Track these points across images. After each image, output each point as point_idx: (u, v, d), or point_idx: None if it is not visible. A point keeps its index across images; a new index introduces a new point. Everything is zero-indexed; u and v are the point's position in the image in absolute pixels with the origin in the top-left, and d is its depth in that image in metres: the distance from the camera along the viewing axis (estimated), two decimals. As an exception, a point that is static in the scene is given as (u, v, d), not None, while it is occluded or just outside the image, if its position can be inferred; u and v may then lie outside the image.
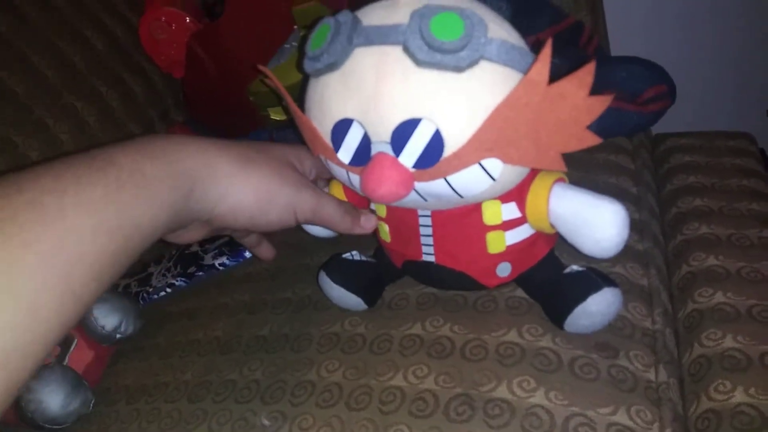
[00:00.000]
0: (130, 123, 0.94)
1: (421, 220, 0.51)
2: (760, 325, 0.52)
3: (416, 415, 0.47)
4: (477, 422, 0.45)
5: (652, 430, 0.44)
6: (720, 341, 0.51)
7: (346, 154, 0.46)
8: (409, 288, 0.60)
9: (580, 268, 0.50)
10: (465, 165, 0.43)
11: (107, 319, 0.63)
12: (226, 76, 0.82)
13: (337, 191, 0.58)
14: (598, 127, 0.74)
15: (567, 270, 0.51)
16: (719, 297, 0.55)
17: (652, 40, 1.37)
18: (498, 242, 0.50)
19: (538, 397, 0.46)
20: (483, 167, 0.43)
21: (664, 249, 0.65)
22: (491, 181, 0.44)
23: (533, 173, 0.48)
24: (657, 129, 0.85)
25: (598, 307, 0.47)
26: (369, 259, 0.60)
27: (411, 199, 0.46)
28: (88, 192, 0.36)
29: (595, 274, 0.49)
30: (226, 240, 0.79)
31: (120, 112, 0.93)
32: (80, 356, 0.63)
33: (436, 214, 0.50)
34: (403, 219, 0.53)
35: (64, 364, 0.61)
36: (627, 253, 0.60)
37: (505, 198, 0.48)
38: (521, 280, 0.54)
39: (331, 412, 0.49)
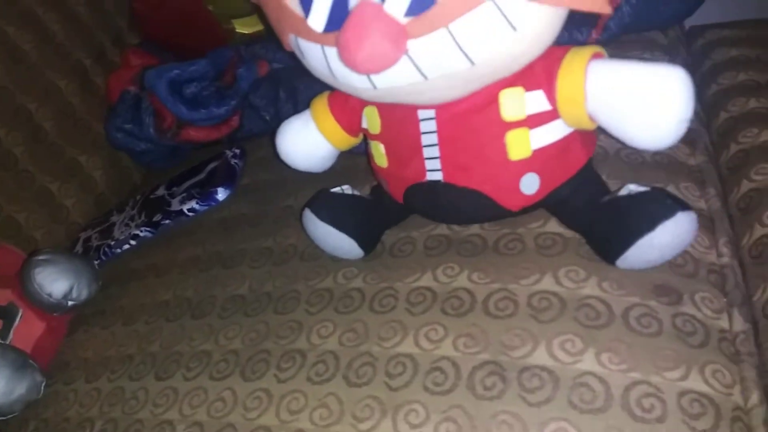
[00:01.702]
0: (76, 50, 0.80)
1: (423, 125, 0.41)
2: None
3: (433, 390, 0.37)
4: (511, 397, 0.36)
5: (734, 395, 0.35)
6: (804, 274, 0.41)
7: (318, 17, 0.35)
8: (414, 230, 0.49)
9: (643, 188, 0.39)
10: (474, 2, 0.32)
11: (54, 285, 0.53)
12: (177, -18, 0.69)
13: (322, 114, 0.48)
14: (631, 16, 0.62)
15: (623, 191, 0.40)
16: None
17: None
18: (521, 144, 0.39)
19: (588, 362, 0.36)
20: (498, 7, 0.32)
21: (717, 164, 0.54)
22: (512, 31, 0.34)
23: (563, 51, 0.38)
24: (690, 21, 0.72)
25: (671, 237, 0.37)
26: (364, 196, 0.49)
27: (406, 79, 0.36)
28: None
29: (665, 195, 0.38)
30: (195, 181, 0.68)
31: (62, 37, 0.79)
32: (28, 330, 0.53)
33: (441, 113, 0.40)
34: (401, 127, 0.42)
35: (7, 342, 0.51)
36: (679, 170, 0.49)
37: (529, 84, 0.38)
38: (555, 203, 0.43)
39: (327, 388, 0.40)
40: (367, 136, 0.47)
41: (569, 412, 0.34)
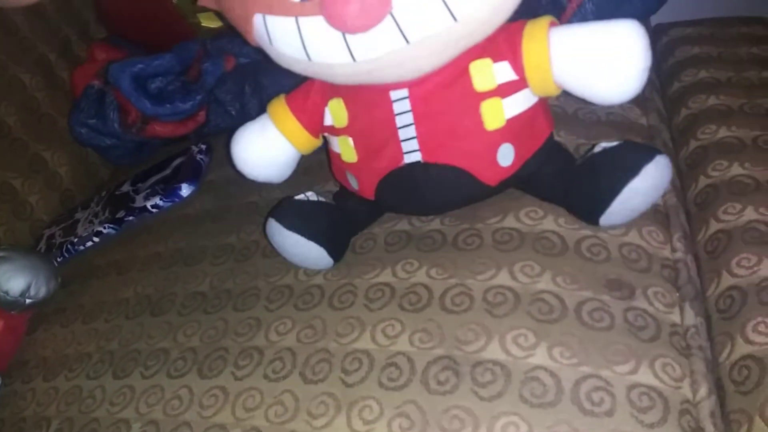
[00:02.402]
0: (40, 43, 0.79)
1: (397, 106, 0.41)
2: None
3: (387, 386, 0.37)
4: (464, 392, 0.36)
5: (683, 389, 0.35)
6: (755, 268, 0.42)
7: None
8: (376, 226, 0.49)
9: (614, 143, 0.41)
10: None
11: (11, 283, 0.52)
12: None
13: (282, 114, 0.47)
14: (594, 14, 0.62)
15: (596, 150, 0.42)
16: (750, 214, 0.46)
17: None
18: (496, 113, 0.40)
19: (539, 356, 0.36)
20: None
21: (675, 155, 0.55)
22: None
23: (521, 24, 0.40)
24: (655, 18, 0.73)
25: (653, 180, 0.39)
26: (330, 203, 0.48)
27: (388, 45, 0.36)
28: None
29: (639, 143, 0.41)
30: (160, 177, 0.67)
31: (26, 30, 0.78)
32: (-16, 329, 0.52)
33: (414, 90, 0.40)
34: (372, 112, 0.42)
35: (-38, 341, 0.50)
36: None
37: (495, 56, 0.40)
38: (529, 175, 0.43)
39: (283, 385, 0.40)
40: (331, 134, 0.46)
41: (520, 407, 0.34)
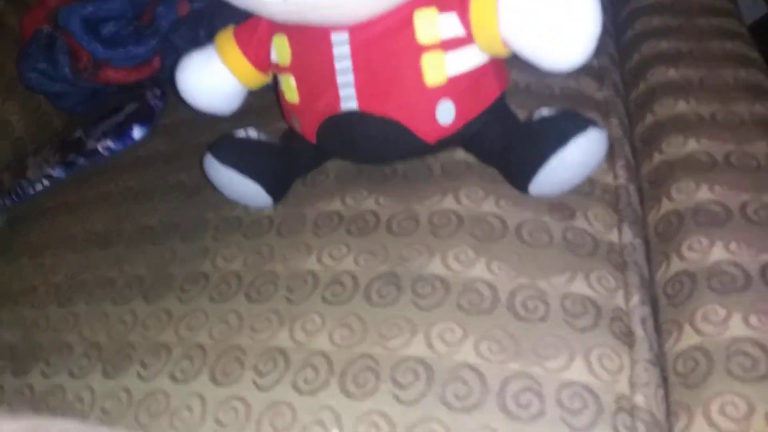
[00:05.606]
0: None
1: (337, 50, 0.39)
2: (739, 173, 0.44)
3: (330, 301, 0.38)
4: (404, 304, 0.36)
5: (616, 298, 0.36)
6: (693, 194, 0.43)
7: None
8: (329, 162, 0.49)
9: (553, 112, 0.40)
10: None
11: (-47, 217, 0.51)
12: None
13: (228, 46, 0.46)
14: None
15: (535, 116, 0.40)
16: (692, 145, 0.47)
17: None
18: (437, 68, 0.38)
19: (478, 270, 0.37)
20: None
21: (626, 99, 0.56)
22: None
23: None
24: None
25: (583, 153, 0.37)
26: (271, 141, 0.47)
27: None
28: None
29: (576, 113, 0.38)
30: (113, 121, 0.66)
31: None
32: (-75, 264, 0.51)
33: (355, 36, 0.39)
34: (313, 54, 0.41)
35: None
36: (585, 102, 0.50)
37: (442, 5, 0.37)
38: (471, 136, 0.43)
39: (228, 306, 0.40)
40: (276, 72, 0.45)
41: (457, 314, 0.35)
